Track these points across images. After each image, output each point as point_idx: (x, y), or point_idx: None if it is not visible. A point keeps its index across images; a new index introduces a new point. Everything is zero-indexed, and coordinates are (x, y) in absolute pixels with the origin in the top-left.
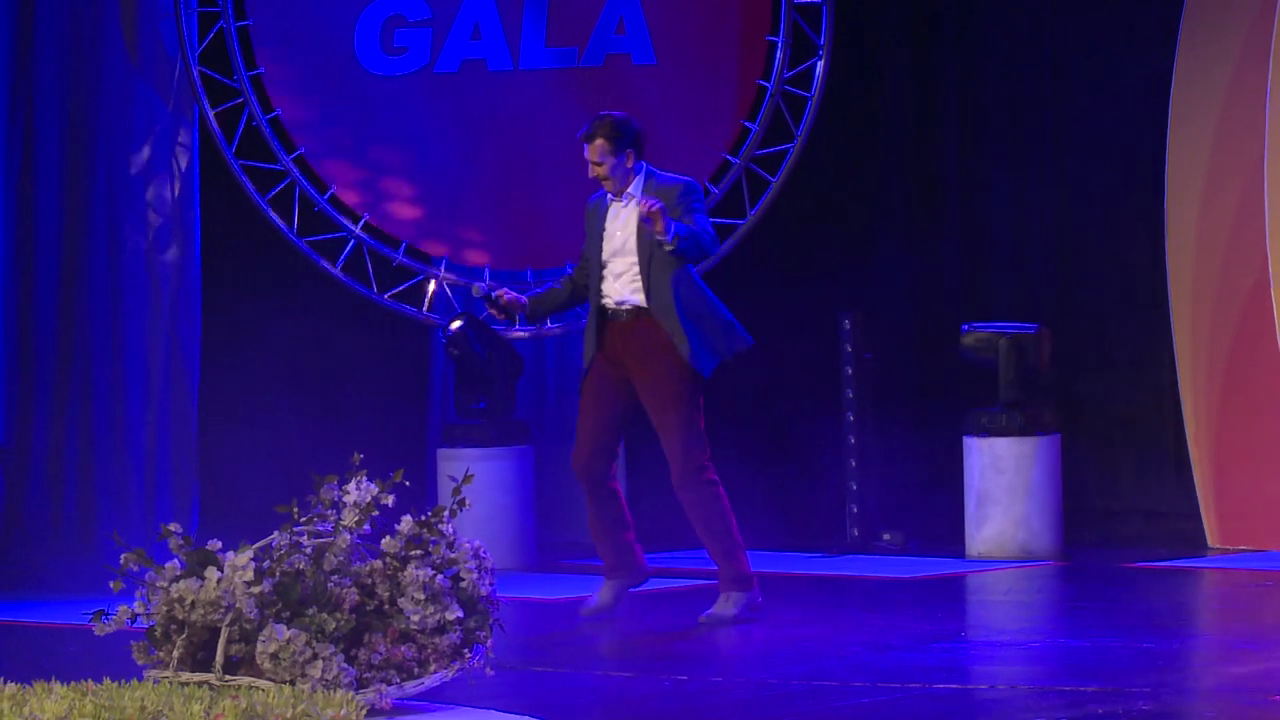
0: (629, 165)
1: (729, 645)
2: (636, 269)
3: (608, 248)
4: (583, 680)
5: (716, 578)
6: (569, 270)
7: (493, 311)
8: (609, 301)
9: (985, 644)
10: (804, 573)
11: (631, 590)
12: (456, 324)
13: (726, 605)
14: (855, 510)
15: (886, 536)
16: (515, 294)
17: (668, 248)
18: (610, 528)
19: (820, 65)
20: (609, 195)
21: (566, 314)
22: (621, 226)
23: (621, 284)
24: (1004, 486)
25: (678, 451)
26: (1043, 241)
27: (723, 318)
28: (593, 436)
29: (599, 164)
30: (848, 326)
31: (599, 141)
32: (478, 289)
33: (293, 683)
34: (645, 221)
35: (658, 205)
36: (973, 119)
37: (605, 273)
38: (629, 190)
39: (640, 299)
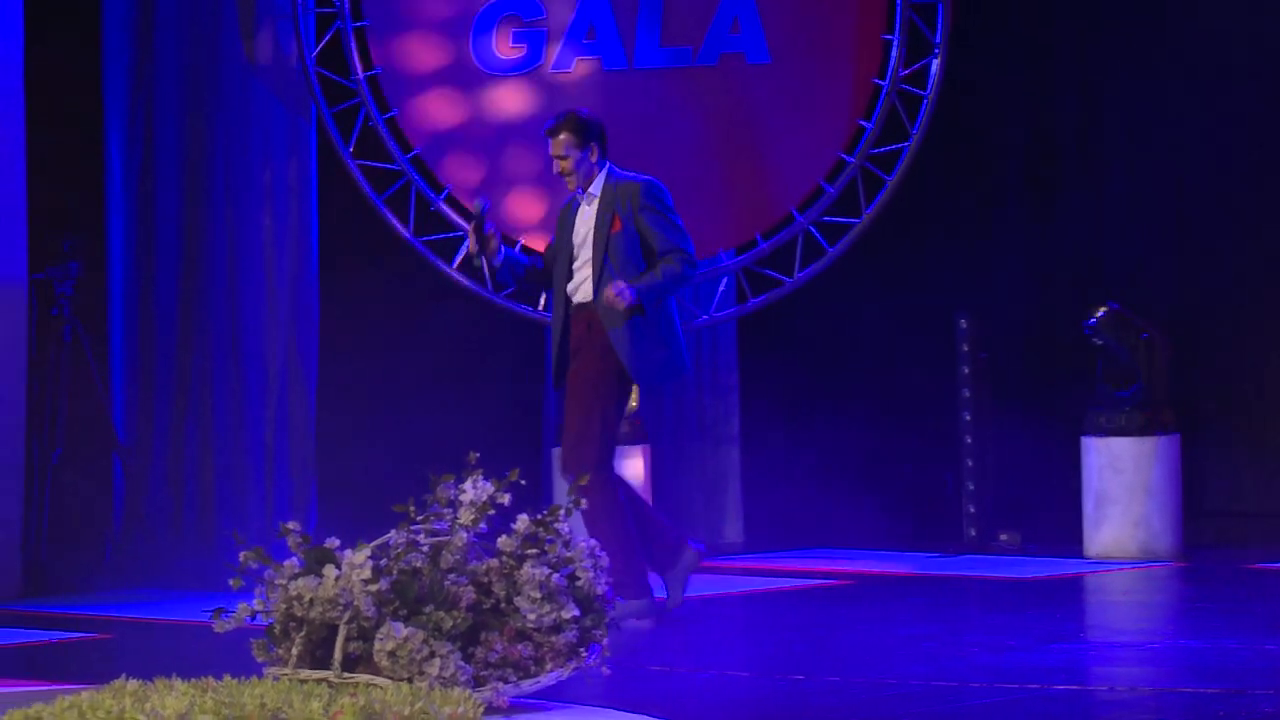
0: (593, 160)
1: (847, 645)
2: (590, 269)
3: (576, 244)
4: (699, 679)
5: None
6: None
7: (471, 237)
8: (574, 295)
9: (1104, 645)
10: (921, 573)
11: (694, 572)
12: None
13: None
14: (972, 510)
15: (1004, 536)
16: (499, 238)
17: (639, 312)
18: (622, 531)
19: (936, 63)
20: (579, 192)
21: (682, 312)
22: (583, 225)
23: (581, 283)
24: (1123, 486)
25: (569, 443)
26: (1162, 240)
27: (673, 336)
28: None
29: (563, 158)
30: (963, 326)
31: (563, 136)
32: (478, 205)
33: (410, 680)
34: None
35: (619, 295)
36: (1090, 116)
37: (573, 268)
38: (590, 189)
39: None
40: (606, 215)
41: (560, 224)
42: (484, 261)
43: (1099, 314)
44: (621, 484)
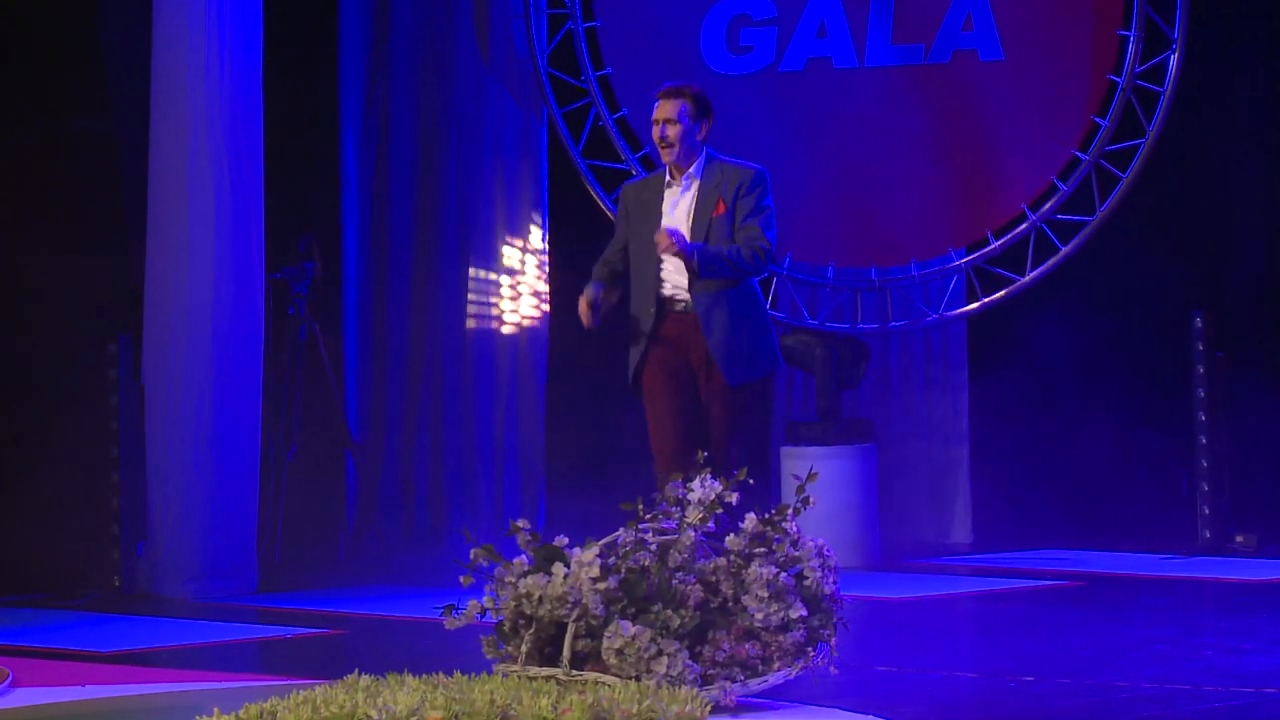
0: (699, 137)
1: (1077, 647)
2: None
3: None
4: (927, 680)
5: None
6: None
7: (586, 313)
8: (666, 289)
9: None
10: (1155, 575)
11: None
12: None
13: None
14: (1207, 511)
15: (1240, 538)
16: (599, 296)
17: (691, 267)
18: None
19: (1174, 59)
20: (666, 174)
21: (911, 310)
22: (680, 208)
23: (678, 272)
24: None
25: (721, 454)
26: None
27: (765, 330)
28: (676, 446)
29: (675, 123)
30: (1199, 324)
31: (683, 100)
32: (591, 291)
33: (638, 678)
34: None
35: (672, 237)
36: None
37: (663, 259)
38: (691, 171)
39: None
40: (710, 198)
41: (635, 207)
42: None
43: None
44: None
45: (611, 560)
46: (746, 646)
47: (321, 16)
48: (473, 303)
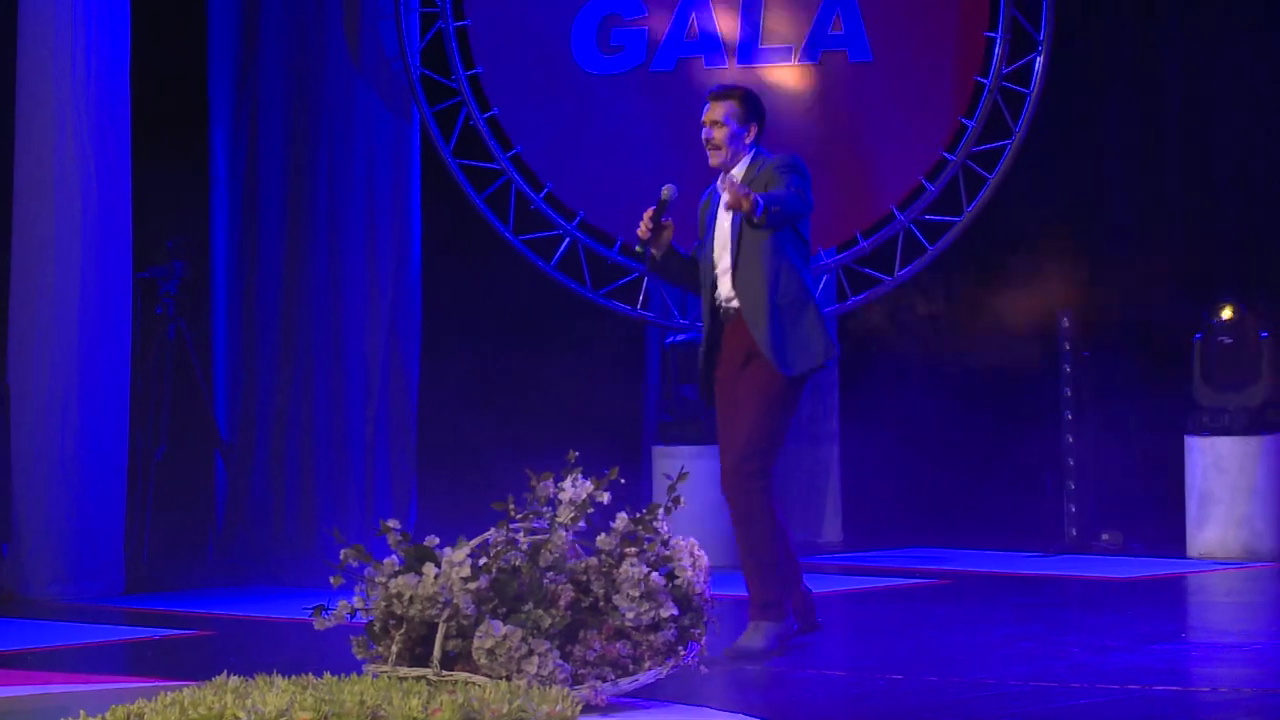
0: (746, 140)
1: (946, 645)
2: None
3: (718, 240)
4: (796, 679)
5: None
6: None
7: (645, 222)
8: (720, 299)
9: (1206, 646)
10: (1022, 573)
11: (796, 639)
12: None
13: (754, 637)
14: (1073, 510)
15: (1105, 536)
16: (673, 229)
17: (758, 222)
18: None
19: (1040, 60)
20: (714, 188)
21: None
22: (726, 216)
23: (729, 279)
24: (1227, 486)
25: (738, 445)
26: (1272, 237)
27: (818, 320)
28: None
29: (721, 125)
30: (1066, 324)
31: (728, 103)
32: (669, 190)
33: (509, 678)
34: (735, 210)
35: (737, 189)
36: (1198, 112)
37: (716, 270)
38: (731, 172)
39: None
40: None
41: (702, 224)
42: (647, 250)
43: (1220, 311)
44: (779, 509)
45: (483, 560)
46: (617, 646)
47: (190, 15)
48: (344, 302)
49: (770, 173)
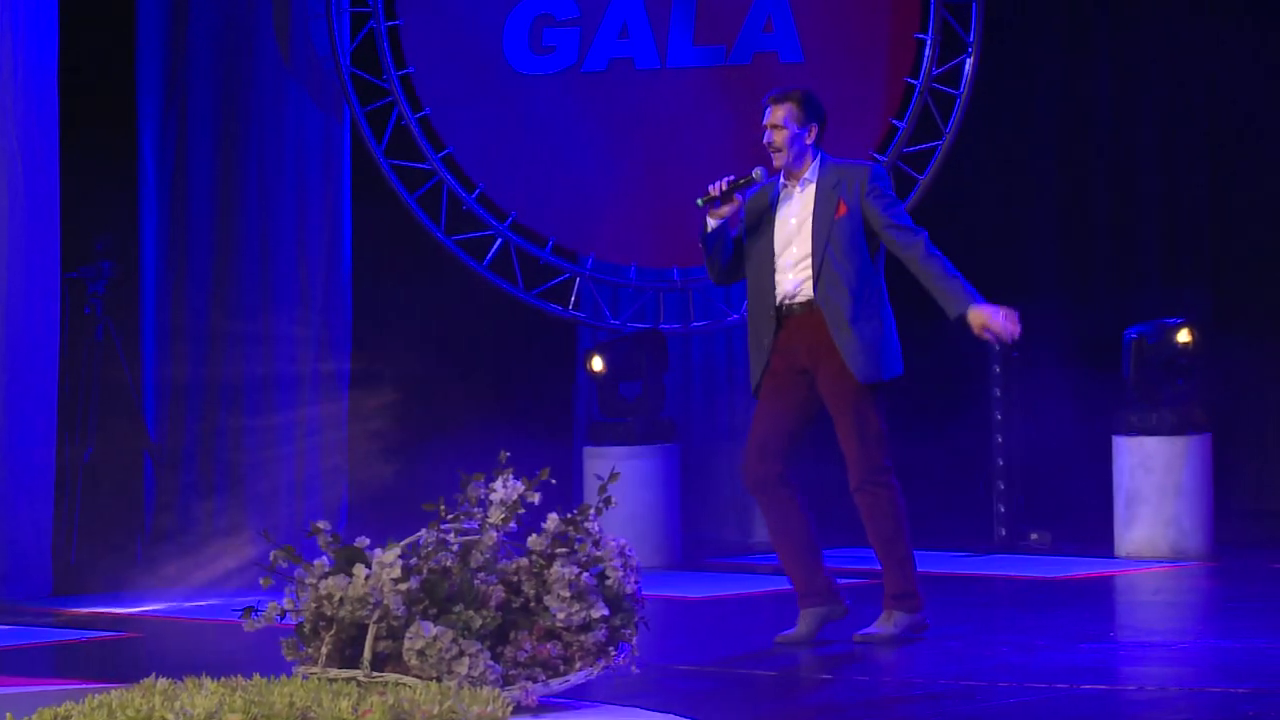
0: (808, 141)
1: (873, 645)
2: (810, 259)
3: (780, 237)
4: (727, 679)
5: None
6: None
7: (723, 185)
8: (780, 296)
9: (1134, 645)
10: (951, 572)
11: (832, 623)
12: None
13: (888, 623)
14: (1002, 509)
15: (1034, 536)
16: (743, 209)
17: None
18: (793, 545)
19: (970, 63)
20: (780, 181)
21: (713, 310)
22: (795, 213)
23: (795, 276)
24: (1154, 486)
25: (854, 454)
26: (1195, 240)
27: (893, 329)
28: (759, 444)
29: (780, 128)
30: None
31: (787, 105)
32: (759, 172)
33: (439, 679)
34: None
35: (1012, 322)
36: (1126, 115)
37: (776, 264)
38: (805, 175)
39: (812, 291)
40: (829, 200)
41: (751, 216)
42: (704, 211)
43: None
44: (793, 493)
45: (413, 561)
46: (548, 646)
47: (119, 14)
48: (274, 301)
49: (856, 184)
